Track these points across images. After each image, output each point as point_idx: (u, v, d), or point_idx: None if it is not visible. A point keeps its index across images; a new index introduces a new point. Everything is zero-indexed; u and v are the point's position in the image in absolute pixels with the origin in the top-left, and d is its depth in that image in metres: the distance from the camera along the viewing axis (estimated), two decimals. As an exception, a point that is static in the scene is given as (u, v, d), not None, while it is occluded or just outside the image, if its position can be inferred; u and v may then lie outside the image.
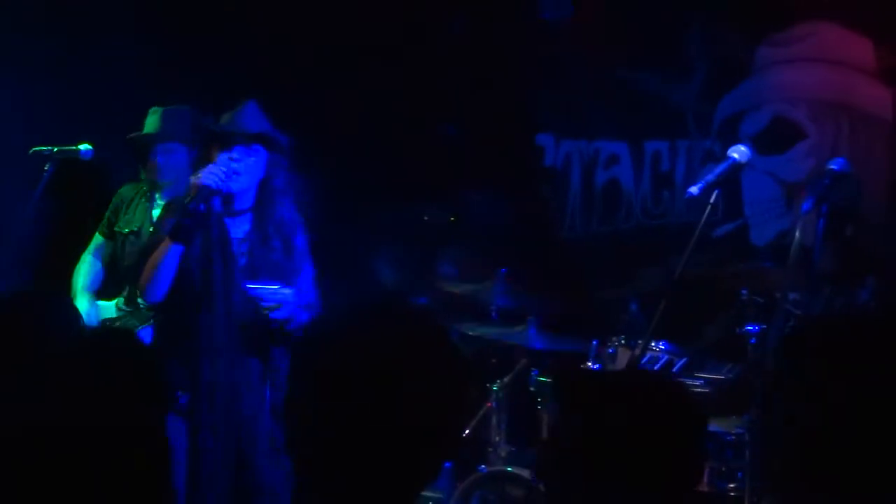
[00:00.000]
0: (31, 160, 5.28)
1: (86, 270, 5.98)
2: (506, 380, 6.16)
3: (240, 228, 4.94)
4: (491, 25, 7.42)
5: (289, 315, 4.77)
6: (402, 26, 7.44)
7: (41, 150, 5.29)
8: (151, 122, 5.90)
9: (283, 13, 7.40)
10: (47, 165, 5.23)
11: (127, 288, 5.79)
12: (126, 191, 6.05)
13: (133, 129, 5.89)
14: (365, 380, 2.02)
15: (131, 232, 5.87)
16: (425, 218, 7.63)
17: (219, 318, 4.70)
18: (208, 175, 4.72)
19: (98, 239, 6.04)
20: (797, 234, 4.04)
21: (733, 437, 5.23)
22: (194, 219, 4.69)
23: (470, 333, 6.33)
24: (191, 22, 7.22)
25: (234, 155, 4.84)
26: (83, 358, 2.04)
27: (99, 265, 5.99)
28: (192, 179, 4.77)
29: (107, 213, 6.04)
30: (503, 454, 6.02)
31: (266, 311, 4.75)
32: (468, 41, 7.47)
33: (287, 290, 4.79)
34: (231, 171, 4.79)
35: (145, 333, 5.33)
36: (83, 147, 5.44)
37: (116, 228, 5.95)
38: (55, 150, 5.32)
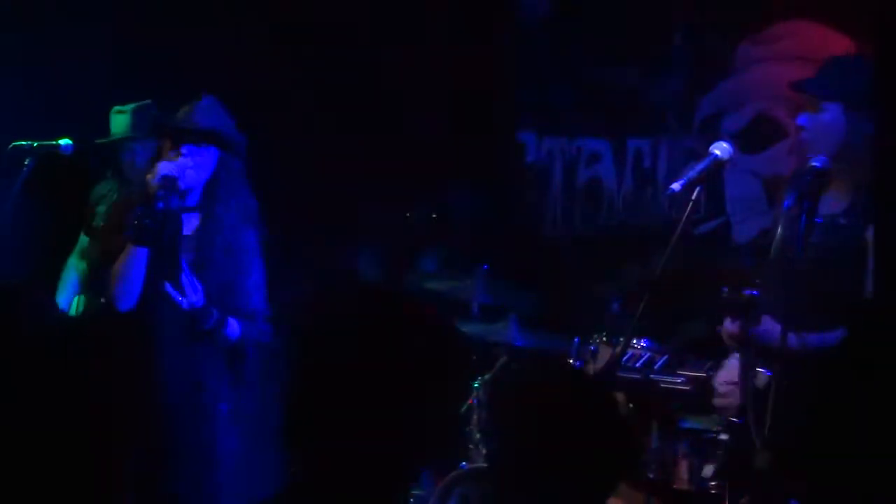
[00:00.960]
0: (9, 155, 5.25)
1: (70, 272, 6.02)
2: (487, 377, 6.15)
3: (187, 226, 4.92)
4: (471, 22, 7.41)
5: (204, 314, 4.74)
6: (383, 25, 7.43)
7: (21, 145, 5.26)
8: (120, 123, 5.90)
9: (264, 9, 7.38)
10: (27, 160, 5.19)
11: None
12: (101, 188, 6.09)
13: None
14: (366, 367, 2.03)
15: None
16: (407, 215, 7.62)
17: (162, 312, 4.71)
18: (168, 167, 4.70)
19: (83, 240, 6.07)
20: (779, 230, 4.05)
21: (713, 435, 5.23)
22: (156, 218, 4.67)
23: (451, 330, 6.31)
24: (169, 15, 7.19)
25: (183, 151, 4.81)
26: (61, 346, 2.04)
27: (83, 265, 5.99)
28: (148, 177, 4.73)
29: (86, 212, 6.08)
30: (484, 451, 6.01)
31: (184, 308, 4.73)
32: (449, 39, 7.46)
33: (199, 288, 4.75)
34: (179, 166, 4.76)
35: None
36: (63, 142, 5.41)
37: (95, 224, 5.94)
38: (35, 144, 5.29)
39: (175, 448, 4.75)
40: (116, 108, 6.01)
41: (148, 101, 5.98)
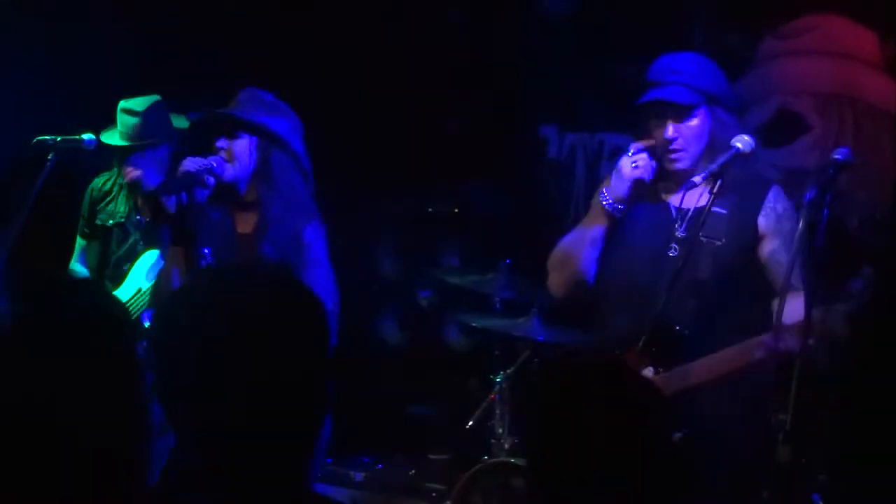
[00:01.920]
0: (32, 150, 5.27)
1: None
2: (509, 371, 6.15)
3: (247, 223, 4.90)
4: (493, 16, 7.41)
5: None
6: (405, 18, 7.44)
7: (44, 140, 5.28)
8: (129, 126, 5.70)
9: (283, 4, 7.40)
10: (50, 155, 5.21)
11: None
12: (99, 182, 5.90)
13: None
14: (230, 340, 2.04)
15: (116, 224, 5.77)
16: (429, 209, 7.63)
17: None
18: (192, 163, 4.68)
19: (80, 242, 5.91)
20: (800, 223, 4.03)
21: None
22: (182, 215, 4.66)
23: (473, 325, 6.32)
24: (187, 7, 7.22)
25: (218, 145, 4.80)
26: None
27: (85, 270, 5.87)
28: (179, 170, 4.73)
29: (82, 212, 5.88)
30: (506, 445, 6.02)
31: None
32: (471, 32, 7.47)
33: None
34: (217, 159, 4.75)
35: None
36: (87, 136, 5.43)
37: (98, 222, 5.83)
38: (58, 139, 5.30)
39: None
40: (125, 105, 5.75)
41: (157, 99, 5.77)
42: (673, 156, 4.45)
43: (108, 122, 5.72)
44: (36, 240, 5.30)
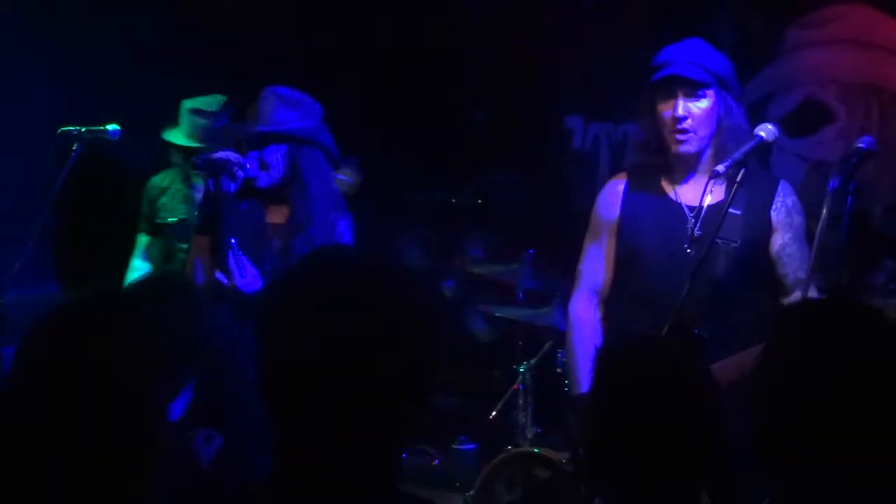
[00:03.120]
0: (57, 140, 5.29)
1: (137, 275, 5.85)
2: (532, 361, 6.16)
3: (279, 214, 4.91)
4: (516, 9, 7.40)
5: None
6: (429, 12, 7.44)
7: (69, 131, 5.29)
8: (198, 126, 5.76)
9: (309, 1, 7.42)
10: (75, 145, 5.22)
11: None
12: (158, 180, 5.97)
13: (151, 113, 5.82)
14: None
15: (179, 221, 5.83)
16: (453, 200, 7.63)
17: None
18: (223, 154, 4.69)
19: (143, 239, 5.96)
20: (824, 212, 4.01)
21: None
22: (211, 203, 4.69)
23: (497, 315, 6.33)
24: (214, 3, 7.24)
25: (250, 154, 4.80)
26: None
27: (148, 266, 5.90)
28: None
29: (142, 210, 5.95)
30: (530, 435, 6.03)
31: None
32: (494, 23, 7.46)
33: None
34: (252, 161, 4.76)
35: None
36: (111, 127, 5.42)
37: (159, 220, 5.90)
38: (83, 130, 5.31)
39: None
40: (192, 105, 5.83)
41: (225, 100, 5.81)
42: (680, 136, 4.37)
43: (131, 113, 5.78)
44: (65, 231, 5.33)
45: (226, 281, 4.70)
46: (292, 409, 2.01)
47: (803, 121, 6.88)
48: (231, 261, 4.71)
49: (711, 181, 4.25)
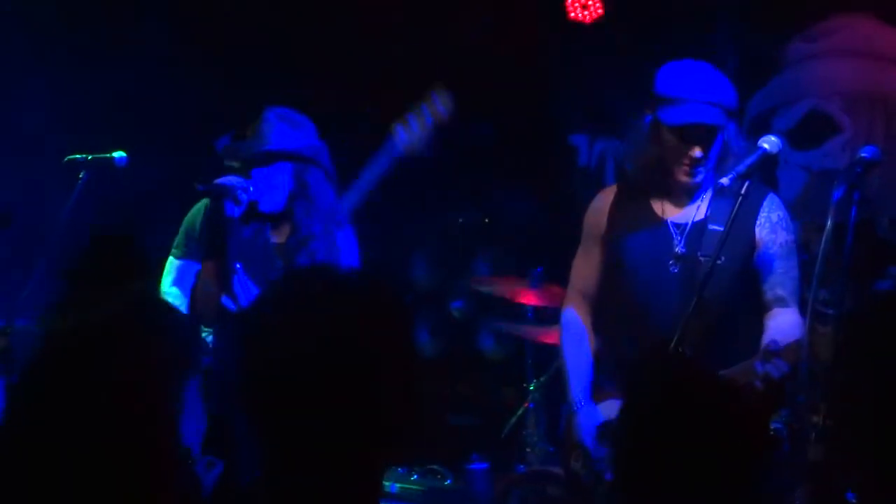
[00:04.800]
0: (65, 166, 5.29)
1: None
2: (543, 379, 6.15)
3: (281, 233, 4.91)
4: (520, 26, 7.41)
5: None
6: (435, 29, 7.45)
7: (75, 158, 5.31)
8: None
9: (317, 21, 7.43)
10: (81, 173, 5.24)
11: None
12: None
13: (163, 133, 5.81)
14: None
15: None
16: (460, 220, 7.63)
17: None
18: (227, 179, 4.70)
19: (174, 263, 5.90)
20: (829, 222, 4.00)
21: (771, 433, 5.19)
22: (215, 229, 4.70)
23: (506, 332, 6.33)
24: (227, 24, 7.25)
25: (252, 175, 4.80)
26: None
27: (178, 290, 5.87)
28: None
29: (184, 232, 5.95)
30: (541, 454, 6.02)
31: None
32: (500, 43, 7.47)
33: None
34: (256, 185, 4.77)
35: None
36: (117, 155, 5.44)
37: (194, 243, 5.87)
38: (89, 157, 5.33)
39: None
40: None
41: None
42: (695, 168, 4.37)
43: (139, 139, 5.79)
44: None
45: (232, 306, 4.71)
46: (267, 428, 2.04)
47: (809, 133, 6.87)
48: (237, 285, 4.73)
49: (700, 198, 4.28)
